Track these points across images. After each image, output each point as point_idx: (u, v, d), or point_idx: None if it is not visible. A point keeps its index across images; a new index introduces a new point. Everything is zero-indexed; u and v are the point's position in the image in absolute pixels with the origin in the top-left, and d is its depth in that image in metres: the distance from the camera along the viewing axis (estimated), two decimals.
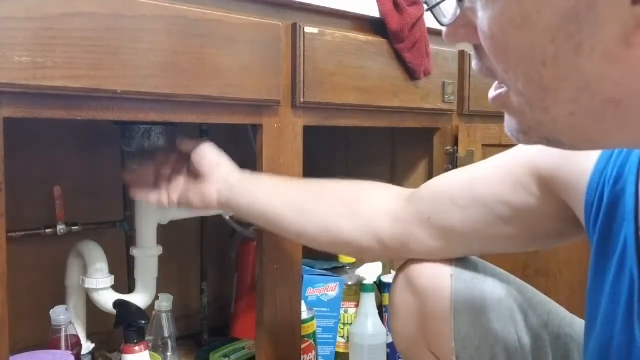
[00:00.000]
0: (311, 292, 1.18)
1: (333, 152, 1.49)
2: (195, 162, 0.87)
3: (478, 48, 0.42)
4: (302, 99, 0.92)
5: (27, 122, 0.69)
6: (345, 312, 1.24)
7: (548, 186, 0.63)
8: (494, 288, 0.70)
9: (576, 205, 0.59)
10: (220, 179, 0.85)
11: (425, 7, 0.44)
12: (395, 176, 1.34)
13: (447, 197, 0.72)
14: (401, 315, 0.75)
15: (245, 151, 1.27)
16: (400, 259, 0.77)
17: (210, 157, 0.87)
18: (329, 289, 1.20)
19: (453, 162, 1.20)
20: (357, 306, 1.24)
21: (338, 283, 1.20)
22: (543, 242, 0.71)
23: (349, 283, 1.26)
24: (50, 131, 1.08)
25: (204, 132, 1.24)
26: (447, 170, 1.20)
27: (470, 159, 1.18)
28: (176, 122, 0.84)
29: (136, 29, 0.72)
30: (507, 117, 0.43)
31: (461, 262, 0.72)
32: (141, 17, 0.73)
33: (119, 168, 1.17)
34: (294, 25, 0.91)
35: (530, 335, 0.69)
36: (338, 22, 1.00)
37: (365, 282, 1.22)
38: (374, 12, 1.02)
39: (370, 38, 1.03)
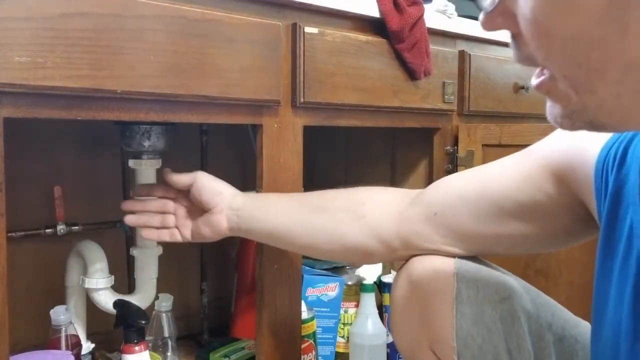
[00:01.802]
0: (311, 292, 1.18)
1: (333, 152, 1.49)
2: (195, 195, 0.87)
3: (516, 36, 0.41)
4: (302, 99, 0.92)
5: (27, 122, 0.69)
6: (345, 312, 1.24)
7: (561, 182, 0.63)
8: (497, 288, 0.70)
9: (588, 196, 0.59)
10: (225, 207, 0.85)
11: None
12: (395, 176, 1.34)
13: (455, 193, 0.71)
14: (403, 313, 0.75)
15: (245, 151, 1.27)
16: (407, 259, 0.76)
17: (208, 187, 0.86)
18: (329, 289, 1.20)
19: (453, 162, 1.20)
20: (357, 306, 1.24)
21: (338, 283, 1.20)
22: (552, 242, 0.70)
23: (349, 283, 1.26)
24: (50, 131, 1.08)
25: (204, 132, 1.24)
26: (447, 170, 1.20)
27: (470, 159, 1.18)
28: (176, 122, 0.84)
29: (136, 29, 0.72)
30: (550, 103, 0.43)
31: (465, 260, 0.72)
32: (141, 17, 0.73)
33: (119, 168, 1.17)
34: (294, 25, 0.91)
35: (534, 335, 0.69)
36: (338, 22, 1.00)
37: (365, 282, 1.22)
38: (374, 12, 1.02)
39: (370, 38, 1.03)
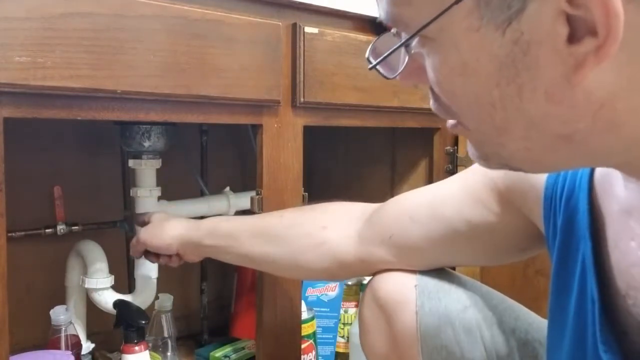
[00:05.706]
0: (311, 292, 1.18)
1: (333, 152, 1.49)
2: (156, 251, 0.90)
3: (432, 88, 0.43)
4: (302, 99, 0.92)
5: (27, 122, 0.69)
6: (345, 312, 1.24)
7: (510, 204, 0.63)
8: (458, 297, 0.70)
9: (538, 220, 0.59)
10: (186, 249, 0.87)
11: (370, 64, 0.45)
12: (395, 176, 1.34)
13: (408, 215, 0.72)
14: (371, 332, 0.75)
15: (245, 151, 1.28)
16: (367, 276, 0.77)
17: (158, 246, 0.88)
18: (329, 289, 1.20)
19: (453, 162, 1.20)
20: (357, 306, 1.24)
21: (338, 283, 1.20)
22: (507, 257, 0.70)
23: (349, 283, 1.26)
24: (50, 131, 1.08)
25: (204, 132, 1.24)
26: (447, 170, 1.20)
27: (470, 159, 1.18)
28: (176, 122, 0.85)
29: (136, 29, 0.72)
30: (468, 141, 0.45)
31: (426, 272, 0.72)
32: (141, 17, 0.73)
33: (119, 168, 1.17)
34: (294, 25, 0.91)
35: (497, 342, 0.69)
36: (338, 22, 1.00)
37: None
38: (374, 12, 1.02)
39: (370, 38, 1.02)
